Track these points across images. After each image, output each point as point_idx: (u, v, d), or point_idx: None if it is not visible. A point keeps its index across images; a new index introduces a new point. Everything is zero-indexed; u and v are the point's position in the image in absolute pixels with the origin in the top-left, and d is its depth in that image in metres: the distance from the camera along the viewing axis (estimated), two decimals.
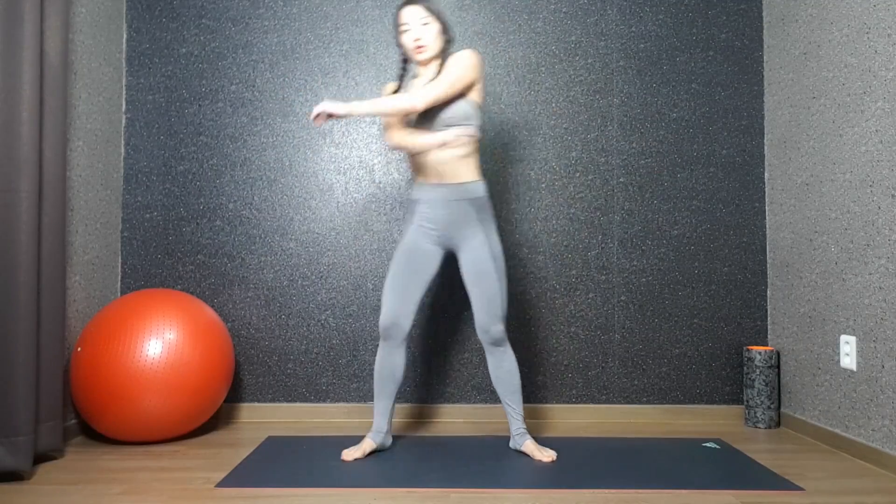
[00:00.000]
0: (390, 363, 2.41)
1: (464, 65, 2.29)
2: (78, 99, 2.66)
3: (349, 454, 2.36)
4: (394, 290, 2.39)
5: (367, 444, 2.40)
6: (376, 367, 2.44)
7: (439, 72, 2.33)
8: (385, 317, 2.39)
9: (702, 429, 2.85)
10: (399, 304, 2.38)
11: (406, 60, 2.46)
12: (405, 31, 2.34)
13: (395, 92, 2.43)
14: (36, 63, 2.18)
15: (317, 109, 2.21)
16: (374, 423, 2.44)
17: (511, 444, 2.47)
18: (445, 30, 2.37)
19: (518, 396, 2.43)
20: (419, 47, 2.33)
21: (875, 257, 2.33)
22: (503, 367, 2.41)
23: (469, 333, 2.98)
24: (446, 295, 2.99)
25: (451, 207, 2.35)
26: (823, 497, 2.01)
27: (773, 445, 2.60)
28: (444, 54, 2.37)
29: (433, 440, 2.62)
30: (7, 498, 1.96)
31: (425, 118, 2.34)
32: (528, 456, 2.39)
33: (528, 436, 2.43)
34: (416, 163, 2.41)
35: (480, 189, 2.38)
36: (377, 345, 2.97)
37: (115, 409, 2.40)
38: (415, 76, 2.46)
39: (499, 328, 2.37)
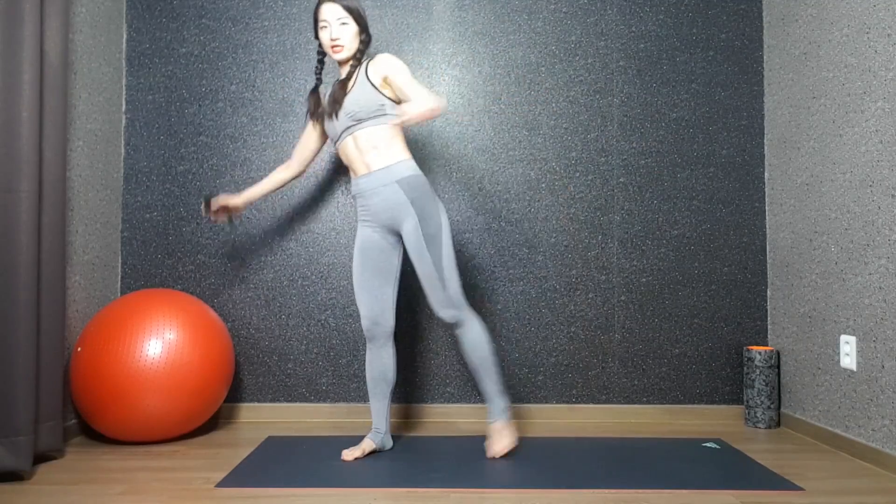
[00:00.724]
0: (379, 364, 2.42)
1: (403, 64, 2.35)
2: (78, 99, 2.66)
3: (349, 454, 2.36)
4: (362, 292, 2.40)
5: (367, 444, 2.41)
6: (366, 369, 2.46)
7: (351, 73, 2.36)
8: (364, 319, 2.41)
9: (702, 429, 2.85)
10: (372, 303, 2.39)
11: (323, 55, 2.48)
12: (323, 27, 2.35)
13: (316, 89, 2.47)
14: (36, 63, 2.18)
15: None
16: (373, 423, 2.45)
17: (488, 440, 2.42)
18: (363, 30, 2.38)
19: (490, 371, 2.36)
20: (335, 46, 2.34)
21: (875, 257, 2.33)
22: (465, 343, 2.35)
23: None
24: None
25: (381, 194, 2.33)
26: (823, 497, 2.01)
27: (773, 445, 2.60)
28: (360, 55, 2.39)
29: (433, 440, 2.62)
30: (7, 498, 1.96)
31: (336, 114, 2.36)
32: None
33: (501, 416, 2.38)
34: (346, 159, 2.41)
35: (407, 168, 2.34)
36: None
37: (115, 409, 2.40)
38: (339, 78, 2.44)
39: (447, 312, 2.32)
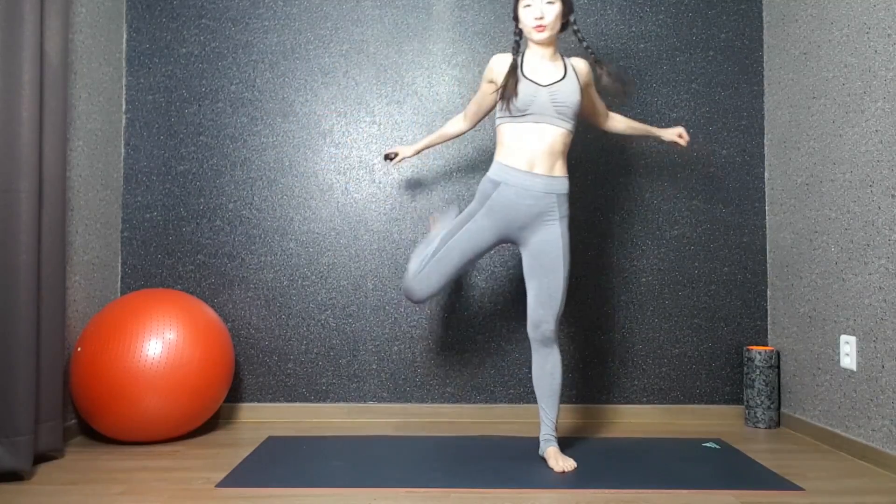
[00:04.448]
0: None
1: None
2: (78, 99, 2.66)
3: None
4: (441, 263, 2.32)
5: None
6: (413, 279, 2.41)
7: (554, 60, 2.29)
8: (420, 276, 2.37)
9: (702, 429, 2.85)
10: (443, 280, 2.35)
11: (520, 34, 2.35)
12: (527, 6, 2.24)
13: (514, 65, 2.28)
14: (36, 63, 2.18)
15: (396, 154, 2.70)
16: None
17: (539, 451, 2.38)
18: (568, 12, 2.28)
19: (554, 401, 2.33)
20: (539, 26, 2.22)
21: (875, 257, 2.33)
22: (545, 369, 2.32)
23: (470, 334, 2.98)
24: (446, 294, 2.99)
25: (541, 200, 2.26)
26: (823, 497, 2.01)
27: (773, 445, 2.60)
28: (578, 40, 2.38)
29: (433, 440, 2.62)
30: (7, 498, 1.96)
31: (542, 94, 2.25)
32: (536, 458, 2.38)
33: (553, 442, 2.32)
34: (517, 142, 2.27)
35: (567, 186, 2.32)
36: (377, 345, 2.97)
37: (115, 409, 2.40)
38: (523, 51, 2.35)
39: (550, 326, 2.29)
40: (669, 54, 3.05)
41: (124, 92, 3.01)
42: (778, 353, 2.91)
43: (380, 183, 3.01)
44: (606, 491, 2.06)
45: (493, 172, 2.30)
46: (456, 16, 3.04)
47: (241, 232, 3.00)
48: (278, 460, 2.34)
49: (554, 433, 2.35)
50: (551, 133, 2.25)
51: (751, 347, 2.91)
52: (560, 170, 2.30)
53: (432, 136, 2.66)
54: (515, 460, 2.35)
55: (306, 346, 2.98)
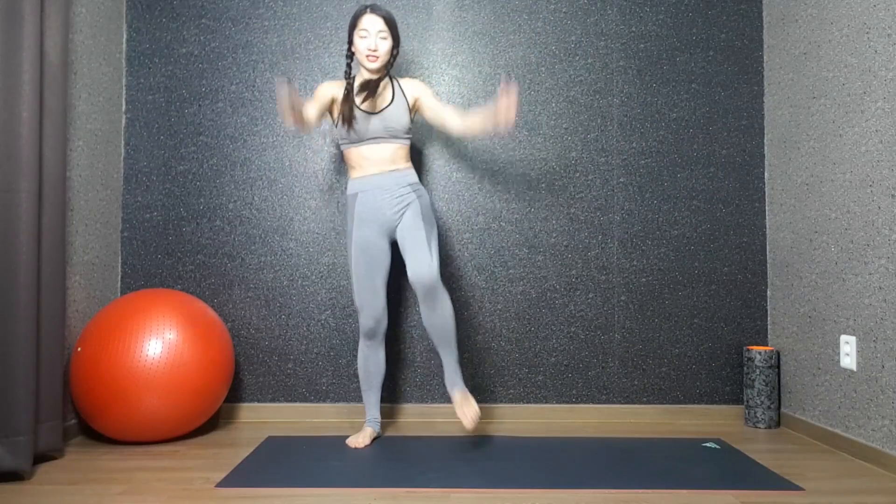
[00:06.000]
0: (376, 360, 2.61)
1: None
2: (78, 99, 2.66)
3: (358, 442, 2.51)
4: (365, 293, 2.52)
5: (370, 432, 2.59)
6: (362, 364, 2.60)
7: (382, 84, 2.50)
8: (368, 319, 2.53)
9: (702, 429, 2.85)
10: (375, 304, 2.53)
11: (351, 58, 2.54)
12: (363, 36, 2.46)
13: (347, 93, 2.48)
14: (36, 63, 2.18)
15: None
16: (370, 413, 2.62)
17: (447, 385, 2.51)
18: (396, 46, 2.52)
19: (452, 343, 2.45)
20: (371, 56, 2.45)
21: (875, 257, 2.33)
22: (436, 312, 2.41)
23: (469, 333, 2.98)
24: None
25: (392, 192, 2.49)
26: (823, 497, 2.01)
27: (773, 445, 2.60)
28: (389, 67, 2.55)
29: (433, 440, 2.62)
30: (7, 498, 1.96)
31: (370, 126, 2.48)
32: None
33: (460, 385, 2.46)
34: (358, 159, 2.53)
35: (416, 178, 2.56)
36: None
37: (115, 409, 2.40)
38: (353, 76, 2.54)
39: (429, 277, 2.38)
40: (669, 54, 3.05)
41: (124, 92, 3.01)
42: (778, 353, 2.91)
43: None
44: (606, 491, 2.06)
45: (348, 189, 2.56)
46: (456, 16, 3.04)
47: (241, 232, 3.00)
48: (278, 460, 2.34)
49: (459, 377, 2.47)
50: (390, 148, 2.52)
51: (751, 347, 2.91)
52: (404, 164, 2.55)
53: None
54: (515, 460, 2.35)
55: (306, 346, 2.98)
